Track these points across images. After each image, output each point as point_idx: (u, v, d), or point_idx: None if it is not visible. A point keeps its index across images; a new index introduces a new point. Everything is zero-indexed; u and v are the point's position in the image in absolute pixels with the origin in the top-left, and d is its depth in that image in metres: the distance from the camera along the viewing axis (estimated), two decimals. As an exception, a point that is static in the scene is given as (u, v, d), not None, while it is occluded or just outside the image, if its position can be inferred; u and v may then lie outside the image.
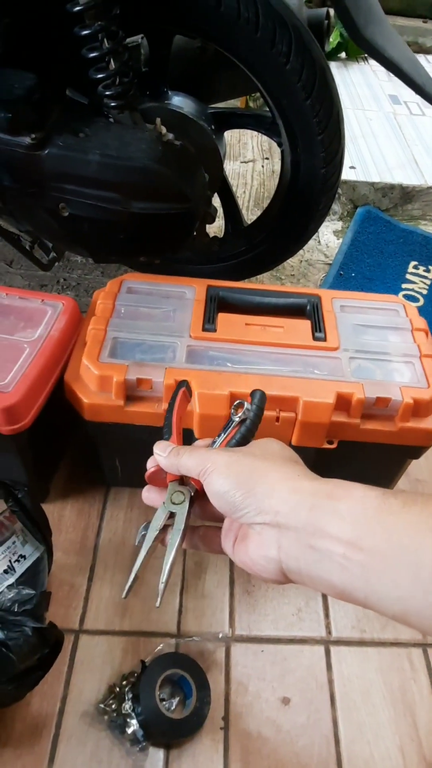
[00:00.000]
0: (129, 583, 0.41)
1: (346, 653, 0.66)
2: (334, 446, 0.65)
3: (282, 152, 0.87)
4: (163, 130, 0.77)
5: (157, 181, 0.74)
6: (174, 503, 0.42)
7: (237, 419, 0.45)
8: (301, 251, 1.25)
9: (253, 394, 0.46)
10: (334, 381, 0.65)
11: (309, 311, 0.74)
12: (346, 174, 1.34)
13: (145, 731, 0.56)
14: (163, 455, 0.42)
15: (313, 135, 0.80)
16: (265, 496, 0.35)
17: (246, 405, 0.46)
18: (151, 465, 0.45)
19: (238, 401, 0.46)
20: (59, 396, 0.67)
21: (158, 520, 0.42)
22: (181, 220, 0.82)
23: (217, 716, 0.60)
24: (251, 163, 1.52)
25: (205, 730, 0.59)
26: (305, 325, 0.72)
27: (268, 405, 0.63)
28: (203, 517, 0.44)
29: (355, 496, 0.33)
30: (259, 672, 0.64)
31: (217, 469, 0.38)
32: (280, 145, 0.87)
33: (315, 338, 0.70)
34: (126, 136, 0.75)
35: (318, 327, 0.71)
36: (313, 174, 0.85)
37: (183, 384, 0.51)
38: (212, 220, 0.90)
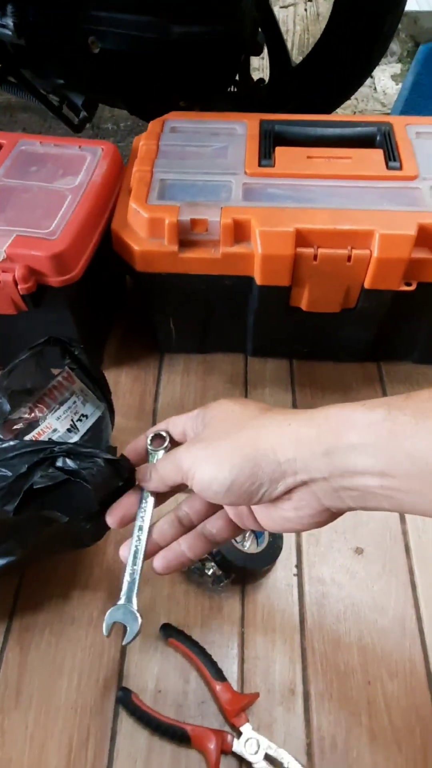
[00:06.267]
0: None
1: (420, 506, 0.64)
2: (412, 288, 0.59)
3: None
4: None
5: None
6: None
7: (161, 453, 0.42)
8: (354, 101, 1.11)
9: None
10: (414, 212, 0.57)
11: (379, 141, 0.65)
12: (407, 3, 1.14)
13: (222, 568, 0.57)
14: (147, 478, 0.40)
15: None
16: (272, 464, 0.32)
17: (164, 434, 0.42)
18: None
19: (153, 434, 0.42)
20: (107, 250, 0.62)
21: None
22: (226, 47, 0.71)
23: (290, 564, 0.60)
24: (292, 7, 1.32)
25: (279, 577, 0.59)
26: (377, 154, 0.63)
27: (338, 242, 0.57)
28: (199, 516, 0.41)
29: (360, 424, 0.30)
30: (330, 524, 0.63)
31: (200, 467, 0.34)
32: None
33: (389, 167, 0.61)
34: None
35: (392, 155, 0.62)
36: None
37: None
38: (260, 51, 0.78)
